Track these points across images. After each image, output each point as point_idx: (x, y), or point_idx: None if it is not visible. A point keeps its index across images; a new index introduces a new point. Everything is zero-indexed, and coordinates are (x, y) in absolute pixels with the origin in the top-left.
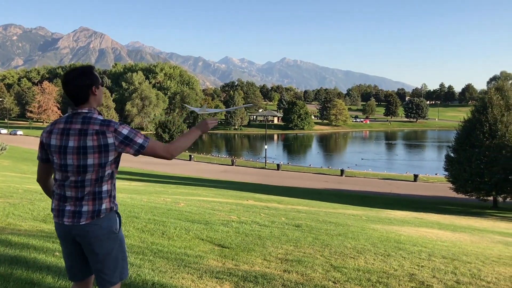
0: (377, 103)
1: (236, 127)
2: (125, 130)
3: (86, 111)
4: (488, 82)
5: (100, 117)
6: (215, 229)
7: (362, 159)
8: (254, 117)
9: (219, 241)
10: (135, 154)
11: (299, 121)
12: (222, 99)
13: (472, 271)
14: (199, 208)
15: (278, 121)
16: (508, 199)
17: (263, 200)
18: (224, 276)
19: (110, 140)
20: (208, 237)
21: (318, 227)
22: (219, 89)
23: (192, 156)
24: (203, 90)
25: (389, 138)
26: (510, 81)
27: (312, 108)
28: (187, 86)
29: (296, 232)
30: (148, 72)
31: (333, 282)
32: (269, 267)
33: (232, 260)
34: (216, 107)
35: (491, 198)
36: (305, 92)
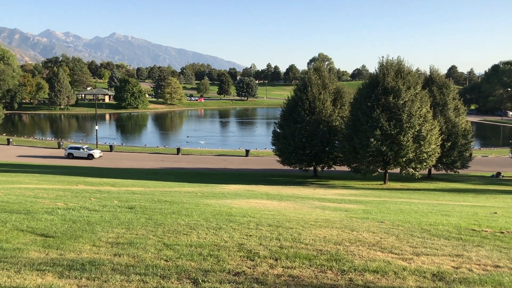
0: (210, 82)
1: (62, 106)
2: None
3: None
4: (308, 63)
5: None
6: (37, 218)
7: (188, 136)
8: (83, 95)
9: (42, 231)
10: None
11: (133, 100)
12: (45, 76)
13: (294, 235)
14: (19, 197)
15: (109, 100)
16: (325, 168)
17: (95, 184)
18: (47, 267)
19: None
20: (29, 227)
21: (152, 207)
22: (41, 65)
23: (11, 140)
24: (22, 66)
25: (223, 116)
26: (326, 63)
27: (146, 86)
28: (1, 62)
29: (129, 214)
30: None
31: (165, 260)
32: (98, 253)
33: (57, 249)
34: (38, 84)
35: (311, 168)
36: (138, 69)
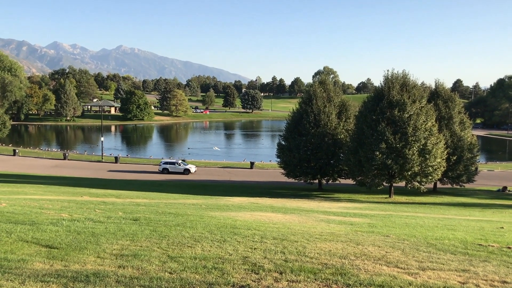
0: (216, 94)
1: (68, 118)
2: None
3: None
4: (313, 76)
5: None
6: (42, 229)
7: (189, 148)
8: (89, 107)
9: (47, 242)
10: None
11: (138, 112)
12: (51, 88)
13: (298, 249)
14: (24, 208)
15: (115, 111)
16: (330, 181)
17: (99, 195)
18: (51, 279)
19: None
20: (34, 238)
21: (157, 219)
22: (48, 76)
23: (17, 151)
24: (29, 78)
25: (228, 128)
26: (331, 76)
27: (152, 98)
28: (9, 73)
29: (133, 226)
30: None
31: (169, 272)
32: (102, 264)
33: (62, 260)
34: (45, 96)
35: (316, 181)
36: (144, 81)
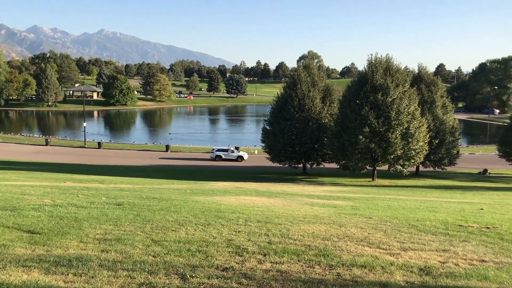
0: (200, 79)
1: (49, 103)
2: None
3: None
4: (298, 61)
5: None
6: (24, 215)
7: (170, 133)
8: (70, 92)
9: (29, 227)
10: None
11: (121, 97)
12: (32, 73)
13: (282, 231)
14: (5, 194)
15: (98, 96)
16: (314, 165)
17: (83, 181)
18: (33, 264)
19: None
20: (16, 224)
21: (141, 203)
22: (28, 61)
23: None
24: (8, 62)
25: (212, 113)
26: (316, 60)
27: (135, 83)
28: None
29: (117, 211)
30: None
31: (153, 256)
32: (85, 249)
33: (44, 245)
34: (25, 81)
35: (301, 165)
36: (127, 66)
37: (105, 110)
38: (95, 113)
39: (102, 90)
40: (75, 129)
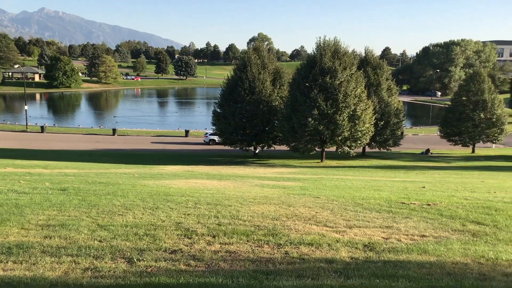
0: (147, 61)
1: None
2: None
3: None
4: (248, 43)
5: None
6: None
7: (115, 116)
8: (10, 74)
9: None
10: None
11: (65, 79)
12: None
13: (232, 212)
14: None
15: (40, 78)
16: (265, 148)
17: (25, 166)
18: None
19: None
20: None
21: (86, 188)
22: None
23: None
24: None
25: (161, 96)
26: (266, 43)
27: (79, 64)
28: None
29: (61, 196)
30: None
31: (99, 241)
32: (27, 236)
33: None
34: None
35: (252, 148)
36: (70, 47)
37: (48, 92)
38: (38, 96)
39: (44, 72)
40: (16, 113)
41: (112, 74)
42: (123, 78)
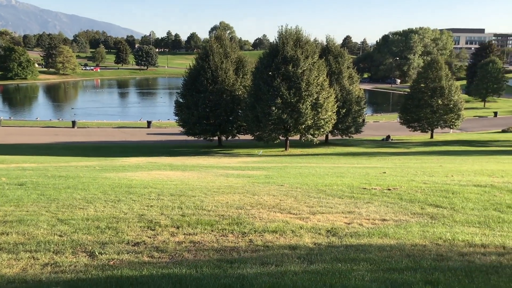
0: (106, 51)
1: None
2: None
3: None
4: (209, 32)
5: None
6: None
7: (72, 108)
8: None
9: None
10: None
11: (20, 70)
12: None
13: (196, 203)
14: None
15: None
16: (230, 138)
17: None
18: None
19: None
20: None
21: (45, 183)
22: None
23: None
24: None
25: (122, 86)
26: (228, 31)
27: (35, 55)
28: None
29: (18, 191)
30: None
31: (59, 235)
32: None
33: None
34: None
35: (216, 138)
36: (25, 37)
37: (2, 84)
38: None
39: None
40: None
41: (70, 65)
42: (82, 69)
